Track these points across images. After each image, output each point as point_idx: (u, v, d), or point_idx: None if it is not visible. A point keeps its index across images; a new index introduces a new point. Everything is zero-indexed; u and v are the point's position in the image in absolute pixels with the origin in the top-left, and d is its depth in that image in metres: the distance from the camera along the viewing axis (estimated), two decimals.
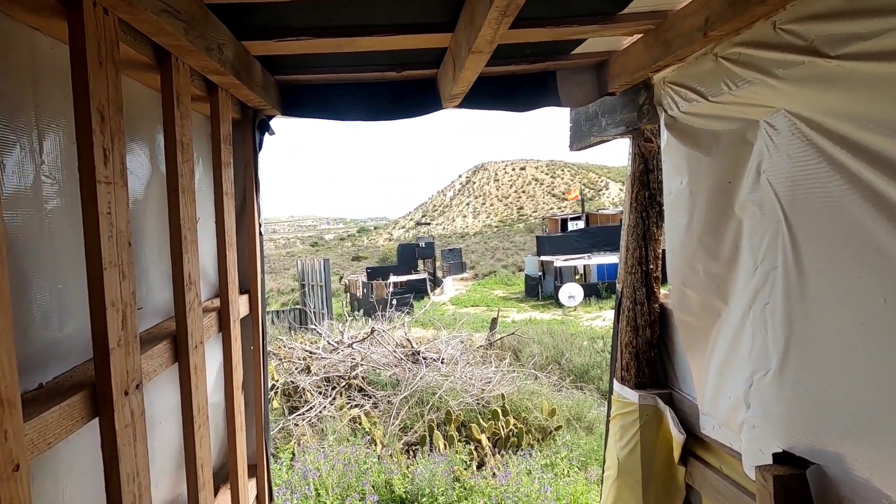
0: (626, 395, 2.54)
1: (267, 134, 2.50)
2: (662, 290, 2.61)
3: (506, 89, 2.61)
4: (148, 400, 1.64)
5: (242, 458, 2.12)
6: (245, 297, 2.35)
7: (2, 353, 0.82)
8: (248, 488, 2.29)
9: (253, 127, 2.37)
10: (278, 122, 2.62)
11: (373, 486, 5.28)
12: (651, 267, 2.56)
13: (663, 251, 2.46)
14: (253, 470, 2.46)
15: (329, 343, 9.23)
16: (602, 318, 18.81)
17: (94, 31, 1.10)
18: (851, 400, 1.42)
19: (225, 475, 2.21)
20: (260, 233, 2.42)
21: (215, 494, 2.21)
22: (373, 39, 1.96)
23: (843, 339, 1.43)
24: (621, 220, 2.74)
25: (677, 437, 2.30)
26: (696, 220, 2.02)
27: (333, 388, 8.01)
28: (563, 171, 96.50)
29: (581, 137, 3.04)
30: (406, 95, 2.59)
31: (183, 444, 1.65)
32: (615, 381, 2.68)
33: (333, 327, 10.94)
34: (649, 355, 2.54)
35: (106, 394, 1.14)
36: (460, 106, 2.56)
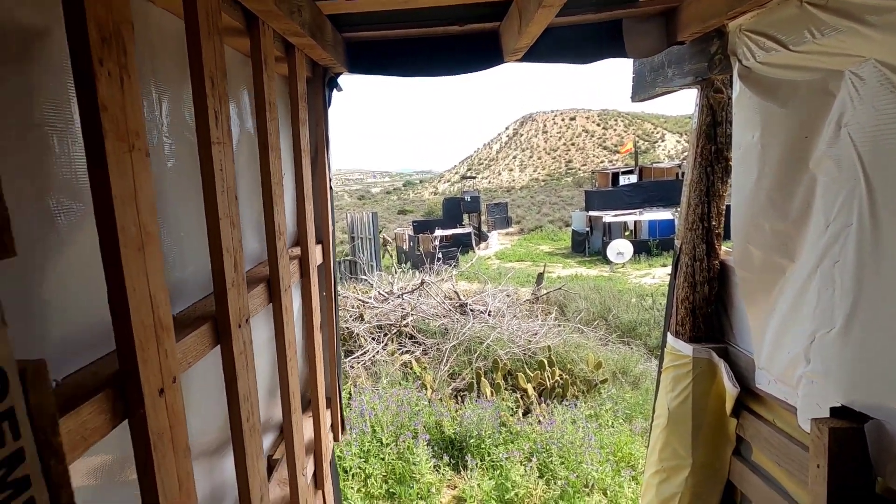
0: (679, 347, 2.59)
1: (335, 90, 2.60)
2: (724, 247, 2.58)
3: (569, 41, 2.55)
4: None
5: (322, 389, 2.37)
6: (319, 247, 2.53)
7: (158, 288, 0.99)
8: (326, 417, 2.56)
9: (323, 84, 2.47)
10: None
11: (424, 426, 5.64)
12: (713, 223, 2.54)
13: (727, 207, 2.43)
14: (328, 402, 2.73)
15: (380, 293, 9.64)
16: (652, 275, 18.33)
17: (203, 3, 1.21)
18: None
19: (306, 403, 2.49)
20: (330, 187, 2.57)
21: None
22: None
23: None
24: (678, 174, 2.69)
25: (731, 390, 2.35)
26: (766, 176, 1.98)
27: (385, 334, 8.44)
28: (615, 121, 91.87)
29: (644, 88, 2.95)
30: (467, 50, 2.60)
31: (276, 374, 1.88)
32: (669, 334, 2.73)
33: (383, 278, 11.35)
34: (706, 311, 2.56)
35: (225, 325, 1.33)
36: (522, 60, 2.55)
